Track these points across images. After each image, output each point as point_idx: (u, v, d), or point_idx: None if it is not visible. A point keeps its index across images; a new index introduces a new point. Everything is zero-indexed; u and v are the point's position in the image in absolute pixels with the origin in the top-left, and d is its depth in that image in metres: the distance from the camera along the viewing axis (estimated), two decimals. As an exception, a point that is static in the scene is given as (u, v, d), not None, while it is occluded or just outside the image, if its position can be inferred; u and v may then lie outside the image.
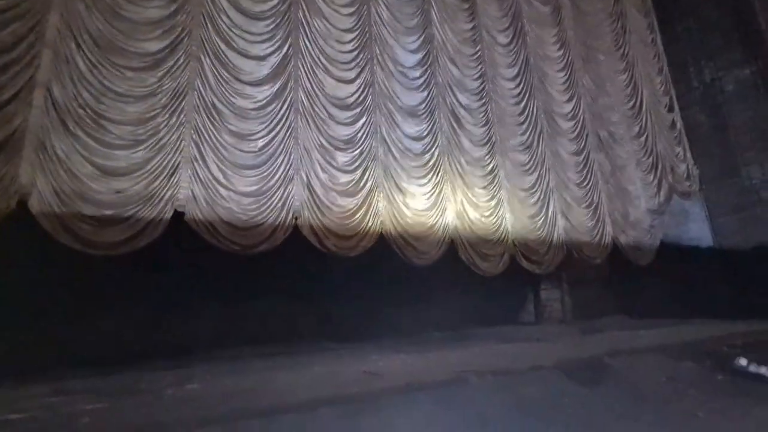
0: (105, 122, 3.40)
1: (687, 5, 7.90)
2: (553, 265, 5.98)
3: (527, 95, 6.15)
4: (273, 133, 4.14)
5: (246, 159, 3.94)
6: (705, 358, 2.12)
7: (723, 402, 1.57)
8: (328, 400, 1.70)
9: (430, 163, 5.11)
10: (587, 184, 6.50)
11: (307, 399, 1.70)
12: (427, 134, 5.18)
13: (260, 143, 4.02)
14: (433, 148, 5.16)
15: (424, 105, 5.22)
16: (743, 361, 1.99)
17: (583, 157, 6.57)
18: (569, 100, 6.58)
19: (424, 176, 5.07)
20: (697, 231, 7.59)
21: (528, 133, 6.06)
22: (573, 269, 7.07)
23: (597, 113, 6.89)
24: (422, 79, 5.29)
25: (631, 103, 7.15)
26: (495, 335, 5.39)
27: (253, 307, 4.97)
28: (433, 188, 5.09)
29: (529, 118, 6.12)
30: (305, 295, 5.10)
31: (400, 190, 4.77)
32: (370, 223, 4.43)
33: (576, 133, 6.57)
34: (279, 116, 4.19)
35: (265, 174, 3.97)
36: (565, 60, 6.69)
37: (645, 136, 7.13)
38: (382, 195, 4.61)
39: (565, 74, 6.64)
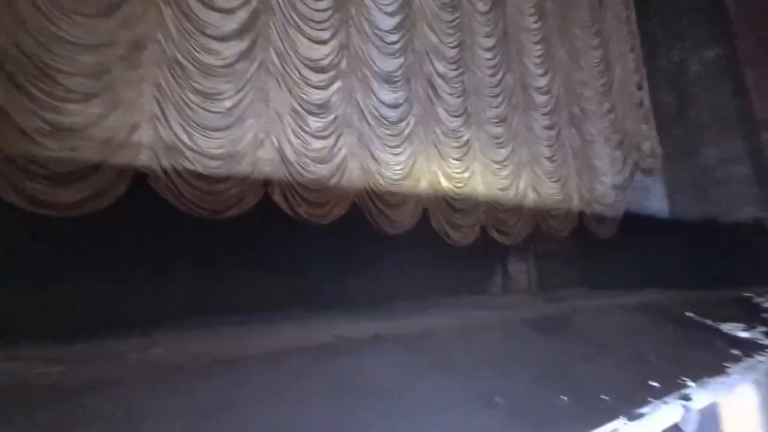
0: (54, 73, 3.11)
1: (662, -17, 7.97)
2: (521, 237, 6.17)
3: (504, 67, 6.13)
4: (242, 94, 3.94)
5: (213, 120, 3.74)
6: (658, 313, 2.28)
7: (672, 348, 1.70)
8: (299, 350, 1.72)
9: (406, 132, 5.05)
10: (558, 159, 6.66)
11: (277, 351, 1.70)
12: (404, 102, 5.09)
13: (228, 103, 3.82)
14: (409, 117, 5.08)
15: (400, 71, 5.10)
16: (691, 314, 2.15)
17: (555, 132, 6.68)
18: (544, 73, 6.61)
19: (399, 145, 5.02)
20: (656, 207, 8.00)
21: (503, 105, 6.07)
22: (540, 242, 7.33)
23: (571, 88, 6.97)
24: (399, 45, 5.14)
25: (603, 80, 7.28)
26: (465, 304, 5.57)
27: (221, 276, 4.87)
28: (408, 158, 5.06)
29: (504, 91, 6.12)
30: (275, 263, 5.05)
31: (375, 158, 4.71)
32: (343, 191, 4.37)
33: (550, 107, 6.65)
34: (248, 76, 3.98)
35: (234, 137, 3.80)
36: (542, 32, 6.66)
37: (614, 113, 7.31)
38: (356, 163, 4.54)
39: (542, 47, 6.63)
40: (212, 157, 3.67)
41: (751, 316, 2.06)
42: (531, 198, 6.24)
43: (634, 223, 7.44)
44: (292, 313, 4.86)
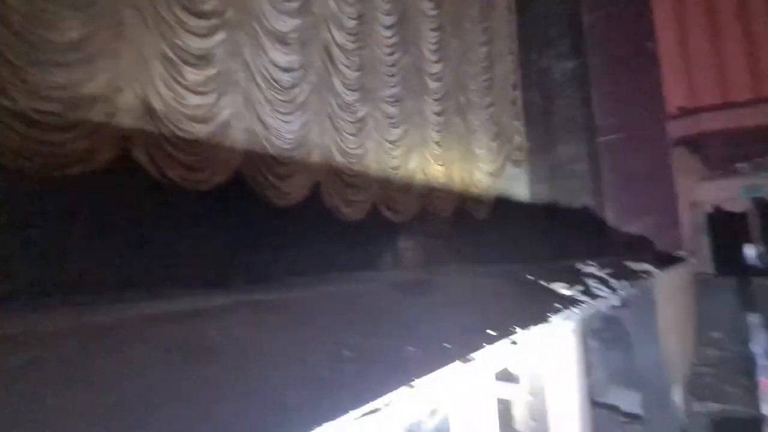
0: None
1: (539, -6, 8.98)
2: (409, 215, 6.51)
3: (401, 48, 6.24)
4: (92, 27, 3.21)
5: (49, 53, 2.98)
6: (506, 277, 2.66)
7: (511, 304, 2.00)
8: (147, 318, 1.49)
9: (299, 99, 4.80)
10: (444, 145, 7.13)
11: (103, 323, 1.44)
12: (298, 68, 4.81)
13: (72, 36, 3.08)
14: (303, 84, 4.84)
15: (296, 34, 4.78)
16: (531, 276, 2.55)
17: (444, 118, 7.12)
18: (438, 61, 6.94)
19: (292, 113, 4.75)
20: (521, 193, 9.24)
21: (399, 86, 6.21)
22: (426, 221, 7.86)
23: (459, 79, 7.48)
24: (296, 4, 4.80)
25: (487, 76, 7.98)
26: (354, 279, 5.65)
27: (73, 251, 4.04)
28: (300, 127, 4.83)
29: (401, 72, 6.26)
30: (142, 235, 4.38)
31: (263, 123, 4.37)
32: (225, 156, 3.97)
33: (440, 94, 7.03)
34: (102, 7, 3.26)
35: (80, 77, 3.09)
36: (438, 21, 6.95)
37: (494, 107, 8.11)
38: (241, 126, 4.15)
39: (437, 35, 6.93)
40: (48, 99, 2.94)
41: (574, 279, 2.58)
42: (419, 179, 6.59)
43: (504, 207, 8.47)
44: (162, 291, 4.30)
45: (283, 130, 4.55)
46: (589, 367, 5.07)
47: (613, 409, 4.56)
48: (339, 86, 5.34)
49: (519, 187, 9.02)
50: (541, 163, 9.18)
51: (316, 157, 5.05)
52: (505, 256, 8.32)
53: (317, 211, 5.23)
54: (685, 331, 6.15)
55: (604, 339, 4.97)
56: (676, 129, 8.32)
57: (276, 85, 4.55)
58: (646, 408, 4.17)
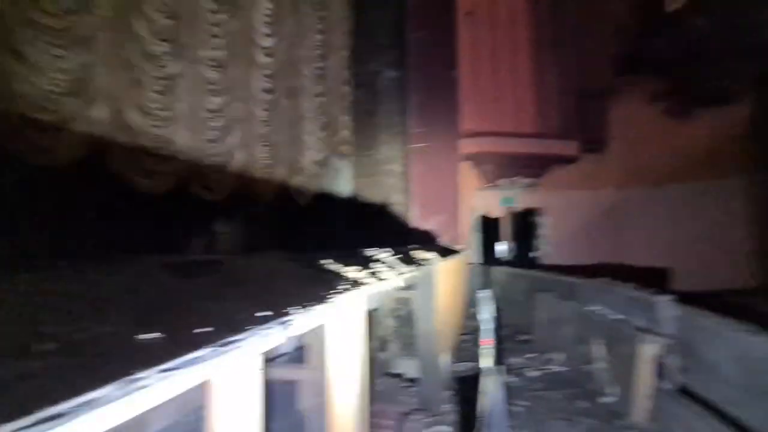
0: None
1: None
2: (225, 194, 5.98)
3: (228, 8, 5.65)
4: None
5: None
6: (303, 262, 2.75)
7: (298, 286, 2.07)
8: None
9: (82, 33, 3.75)
10: (271, 125, 6.84)
11: None
12: (80, -8, 3.75)
13: None
14: (87, 15, 3.80)
15: (78, -53, 3.71)
16: (326, 261, 2.73)
17: (273, 97, 6.82)
18: (271, 35, 6.60)
19: (68, 48, 3.67)
20: (344, 186, 9.76)
21: (222, 50, 5.61)
22: (245, 204, 7.39)
23: (293, 62, 7.31)
24: None
25: (320, 65, 8.07)
26: (152, 263, 4.79)
27: None
28: (80, 68, 3.79)
29: (227, 36, 5.66)
30: None
31: (16, 53, 3.23)
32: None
33: (271, 71, 6.71)
34: None
35: None
36: (273, -6, 6.61)
37: (324, 97, 8.27)
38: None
39: (272, 8, 6.58)
40: None
41: (365, 264, 2.88)
42: (240, 157, 6.14)
43: (326, 197, 8.76)
44: None
45: (49, 66, 3.47)
46: (384, 343, 5.78)
47: (399, 376, 5.34)
48: (143, 30, 4.44)
49: (342, 179, 9.50)
50: (364, 160, 9.90)
51: (102, 110, 4.06)
52: (322, 245, 8.63)
53: (109, 180, 4.23)
54: (457, 308, 7.74)
55: (399, 317, 5.75)
56: (464, 147, 10.35)
57: (43, 7, 3.42)
58: (423, 372, 5.03)
